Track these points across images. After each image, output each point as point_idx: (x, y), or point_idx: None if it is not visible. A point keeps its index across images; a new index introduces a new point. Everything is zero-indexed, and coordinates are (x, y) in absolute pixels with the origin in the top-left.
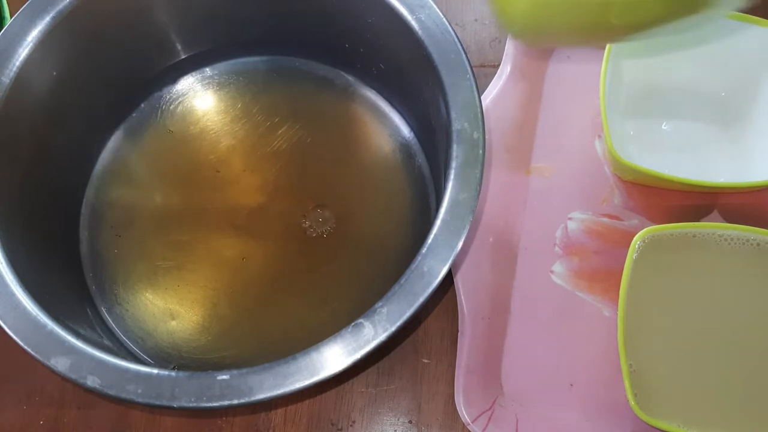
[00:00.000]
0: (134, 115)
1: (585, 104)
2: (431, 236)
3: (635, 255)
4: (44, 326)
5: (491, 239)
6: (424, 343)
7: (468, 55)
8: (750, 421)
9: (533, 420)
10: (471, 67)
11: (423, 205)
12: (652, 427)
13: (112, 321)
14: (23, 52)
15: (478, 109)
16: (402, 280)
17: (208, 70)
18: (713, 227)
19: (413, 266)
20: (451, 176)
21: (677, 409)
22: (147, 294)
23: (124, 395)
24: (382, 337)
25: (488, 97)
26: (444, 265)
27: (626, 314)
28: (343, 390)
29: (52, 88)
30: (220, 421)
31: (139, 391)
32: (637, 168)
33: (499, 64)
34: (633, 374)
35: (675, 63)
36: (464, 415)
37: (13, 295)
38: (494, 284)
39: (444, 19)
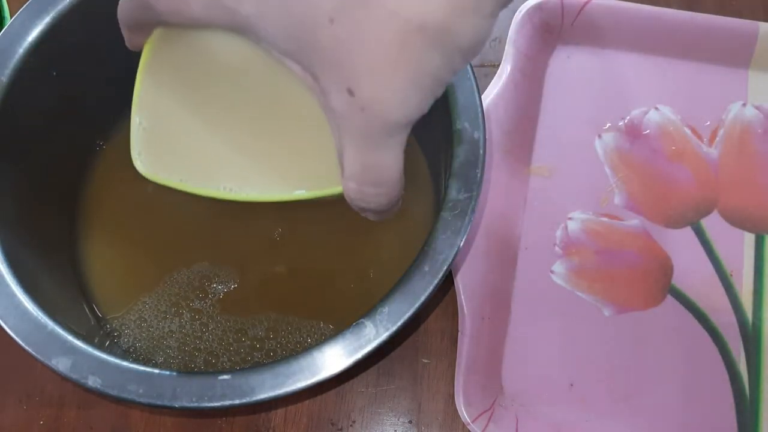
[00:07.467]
0: None
1: (585, 104)
2: (431, 236)
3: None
4: (45, 326)
5: (491, 239)
6: (424, 343)
7: None
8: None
9: (533, 420)
10: (471, 67)
11: (423, 206)
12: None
13: (112, 321)
14: (23, 52)
15: (479, 109)
16: (403, 280)
17: None
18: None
19: (414, 266)
20: (452, 176)
21: (180, 165)
22: (147, 295)
23: (125, 395)
24: (384, 336)
25: (488, 97)
26: (445, 265)
27: (147, 69)
28: (343, 390)
29: (52, 88)
30: (220, 421)
31: (141, 391)
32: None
33: (499, 64)
34: (142, 131)
35: None
36: (464, 415)
37: (13, 295)
38: (494, 284)
39: None
